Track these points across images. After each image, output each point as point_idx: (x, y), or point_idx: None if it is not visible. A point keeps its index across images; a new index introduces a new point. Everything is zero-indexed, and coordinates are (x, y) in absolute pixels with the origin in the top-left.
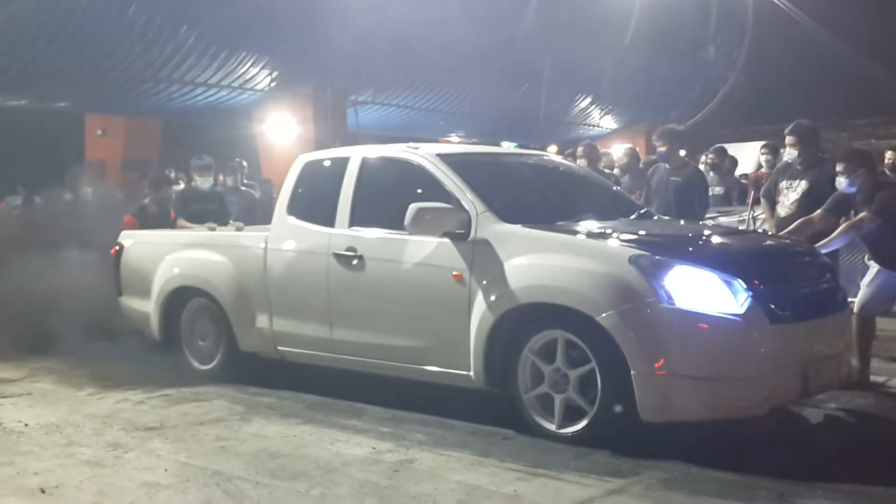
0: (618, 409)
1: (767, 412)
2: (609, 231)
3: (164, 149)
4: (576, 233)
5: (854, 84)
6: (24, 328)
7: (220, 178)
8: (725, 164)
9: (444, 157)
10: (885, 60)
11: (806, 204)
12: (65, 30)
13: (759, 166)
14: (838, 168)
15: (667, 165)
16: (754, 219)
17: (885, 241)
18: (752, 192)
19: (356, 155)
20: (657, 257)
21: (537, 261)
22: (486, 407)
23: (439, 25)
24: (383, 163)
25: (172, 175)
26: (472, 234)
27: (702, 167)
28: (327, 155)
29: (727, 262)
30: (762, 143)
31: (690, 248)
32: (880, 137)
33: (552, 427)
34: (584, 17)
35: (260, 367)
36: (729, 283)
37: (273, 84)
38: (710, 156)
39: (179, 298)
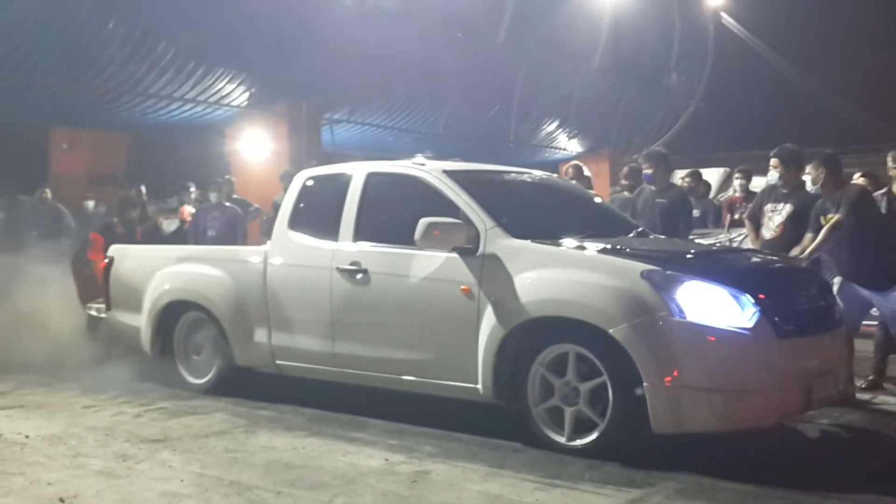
0: (630, 421)
1: (774, 424)
2: (617, 247)
3: (132, 164)
4: (586, 248)
5: (809, 113)
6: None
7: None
8: (700, 188)
9: (451, 174)
10: (839, 91)
11: (790, 227)
12: (42, 40)
13: (734, 190)
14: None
15: (652, 187)
16: (730, 241)
17: (846, 251)
18: (728, 215)
19: (360, 170)
20: (669, 272)
21: (548, 275)
22: (489, 420)
23: (414, 45)
24: (389, 178)
25: (144, 190)
26: (480, 249)
27: None
28: (330, 170)
29: (735, 277)
30: (724, 168)
31: (699, 264)
32: None
33: (562, 440)
34: (554, 42)
35: (254, 380)
36: (737, 298)
37: (249, 101)
38: (687, 179)
39: (173, 312)
